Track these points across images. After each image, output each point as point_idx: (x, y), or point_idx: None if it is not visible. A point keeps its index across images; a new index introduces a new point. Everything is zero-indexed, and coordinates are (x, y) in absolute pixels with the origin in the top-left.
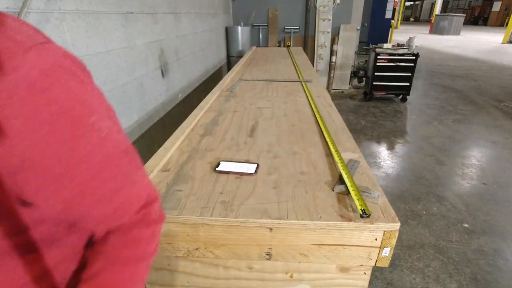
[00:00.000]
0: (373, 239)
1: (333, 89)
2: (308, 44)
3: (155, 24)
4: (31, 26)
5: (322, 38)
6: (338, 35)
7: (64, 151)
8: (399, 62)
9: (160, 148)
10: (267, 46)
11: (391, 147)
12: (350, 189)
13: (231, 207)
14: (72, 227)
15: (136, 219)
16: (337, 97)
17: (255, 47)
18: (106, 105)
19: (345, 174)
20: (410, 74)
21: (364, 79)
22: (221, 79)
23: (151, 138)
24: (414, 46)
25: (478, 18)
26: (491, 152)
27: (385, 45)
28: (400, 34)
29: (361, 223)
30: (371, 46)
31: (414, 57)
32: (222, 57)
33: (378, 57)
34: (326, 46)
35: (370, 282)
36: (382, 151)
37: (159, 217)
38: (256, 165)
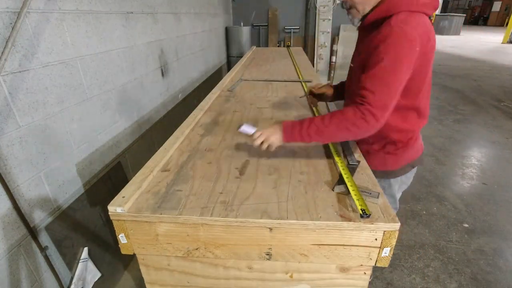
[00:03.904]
0: (373, 239)
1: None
2: (308, 44)
3: (155, 24)
4: None
5: (322, 38)
6: (338, 35)
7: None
8: None
9: (160, 148)
10: (267, 46)
11: None
12: (350, 189)
13: (231, 207)
14: None
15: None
16: None
17: (255, 47)
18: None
19: (345, 174)
20: None
21: None
22: (221, 79)
23: (151, 138)
24: None
25: (478, 18)
26: (491, 152)
27: None
28: None
29: (361, 223)
30: None
31: None
32: (222, 57)
33: None
34: (326, 46)
35: (370, 282)
36: None
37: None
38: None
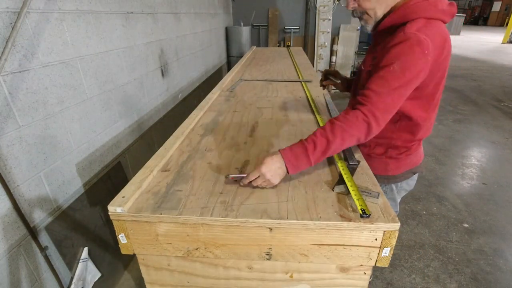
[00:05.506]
0: (373, 239)
1: (333, 89)
2: (308, 44)
3: (155, 24)
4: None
5: (322, 38)
6: (338, 35)
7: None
8: None
9: (160, 148)
10: (267, 46)
11: None
12: (350, 189)
13: (231, 207)
14: None
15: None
16: (337, 97)
17: (255, 47)
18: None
19: (345, 174)
20: None
21: None
22: (221, 79)
23: (151, 138)
24: None
25: (478, 18)
26: (491, 152)
27: None
28: None
29: (361, 223)
30: None
31: None
32: (222, 57)
33: None
34: (326, 46)
35: (370, 282)
36: None
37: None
38: None
